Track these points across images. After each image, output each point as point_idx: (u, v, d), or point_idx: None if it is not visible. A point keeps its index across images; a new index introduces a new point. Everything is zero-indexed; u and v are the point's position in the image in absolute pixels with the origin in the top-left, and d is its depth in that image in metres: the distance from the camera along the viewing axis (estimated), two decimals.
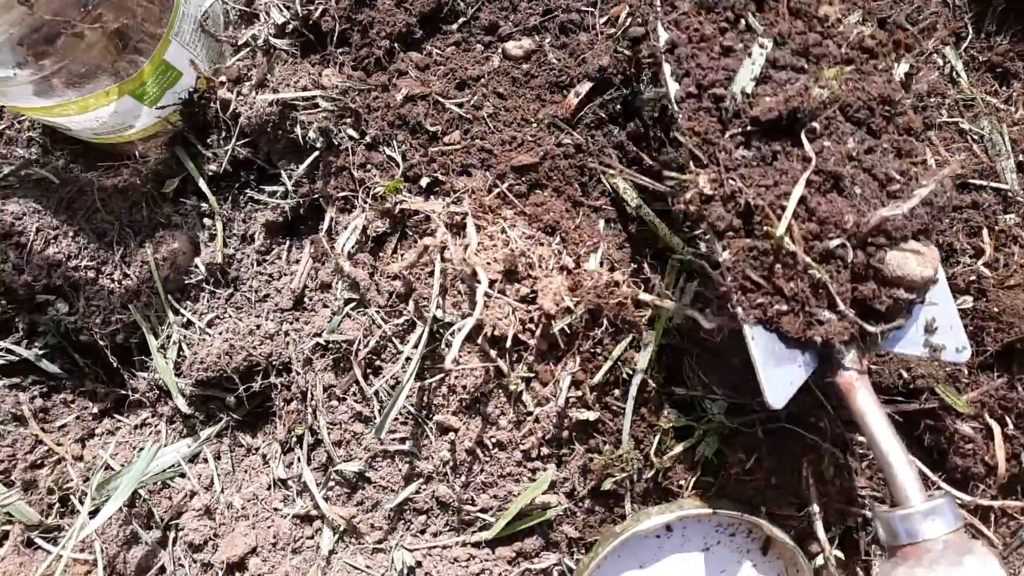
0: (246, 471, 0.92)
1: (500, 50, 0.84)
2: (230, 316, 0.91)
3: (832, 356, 0.61)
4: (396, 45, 0.81)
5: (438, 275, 0.75)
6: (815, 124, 0.61)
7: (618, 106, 0.83)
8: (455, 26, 0.84)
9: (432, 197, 0.78)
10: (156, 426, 0.94)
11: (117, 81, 0.82)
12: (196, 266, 0.92)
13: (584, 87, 0.81)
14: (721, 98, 0.63)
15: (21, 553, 0.90)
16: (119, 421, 0.97)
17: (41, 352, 0.93)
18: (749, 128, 0.61)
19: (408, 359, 0.76)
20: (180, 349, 0.91)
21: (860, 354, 0.61)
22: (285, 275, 0.88)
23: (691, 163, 0.63)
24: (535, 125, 0.81)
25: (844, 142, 0.61)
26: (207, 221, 0.93)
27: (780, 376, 0.59)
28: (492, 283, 0.73)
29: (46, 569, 0.85)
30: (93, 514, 0.85)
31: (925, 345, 0.63)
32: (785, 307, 0.59)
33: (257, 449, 0.92)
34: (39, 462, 0.92)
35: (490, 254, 0.74)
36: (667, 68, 0.65)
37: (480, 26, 0.84)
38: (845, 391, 0.60)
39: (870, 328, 0.60)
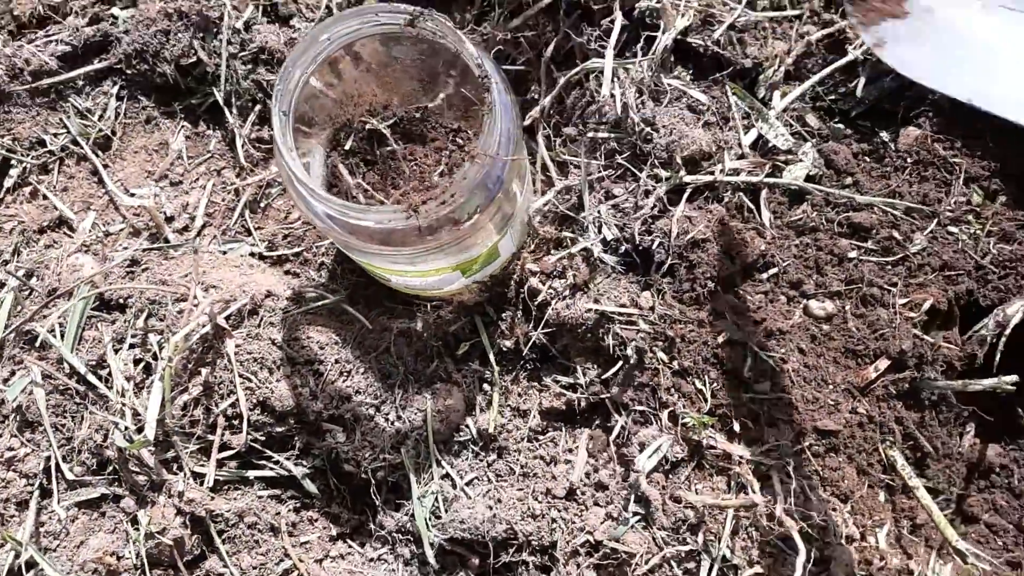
0: None
1: (803, 306, 0.91)
2: (490, 481, 0.97)
3: None
4: (718, 287, 0.89)
5: (731, 519, 0.80)
6: None
7: (906, 385, 0.89)
8: (767, 275, 0.92)
9: (735, 441, 0.85)
10: (391, 564, 1.00)
11: (459, 261, 0.92)
12: (467, 426, 0.99)
13: (883, 364, 0.87)
14: None
15: None
16: (351, 547, 1.03)
17: (307, 472, 1.00)
18: None
19: None
20: (436, 500, 0.97)
21: None
22: (558, 461, 0.94)
23: None
24: (831, 387, 0.87)
25: None
26: (486, 387, 1.00)
27: None
28: (787, 539, 0.78)
29: None
30: None
31: None
32: None
33: None
34: (283, 574, 0.98)
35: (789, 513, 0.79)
36: None
37: (787, 280, 0.92)
38: None
39: None
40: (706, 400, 0.86)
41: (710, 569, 0.80)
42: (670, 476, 0.86)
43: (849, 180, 0.96)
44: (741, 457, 0.82)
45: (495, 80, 0.81)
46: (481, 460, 0.99)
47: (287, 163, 0.81)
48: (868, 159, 0.99)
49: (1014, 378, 0.86)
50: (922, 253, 0.92)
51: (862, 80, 0.98)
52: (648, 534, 0.84)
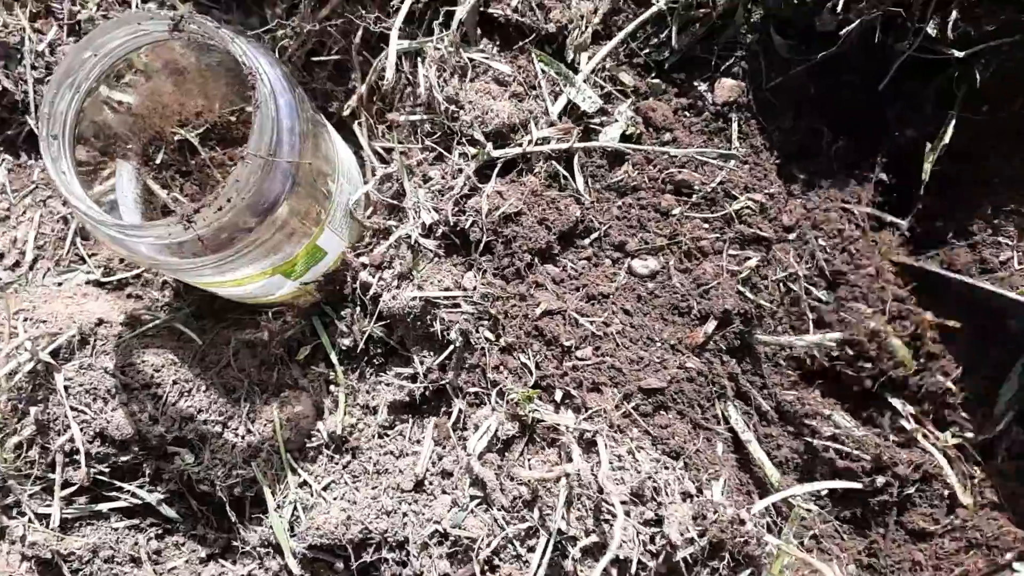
0: None
1: (627, 266, 0.90)
2: (347, 483, 0.96)
3: None
4: (535, 259, 0.88)
5: (564, 491, 0.79)
6: None
7: (736, 341, 0.89)
8: (588, 241, 0.91)
9: (562, 408, 0.84)
10: None
11: (274, 264, 0.89)
12: (318, 431, 0.97)
13: (711, 326, 0.87)
14: None
15: None
16: (224, 567, 1.01)
17: (162, 497, 0.98)
18: None
19: (526, 561, 0.80)
20: (295, 508, 0.96)
21: None
22: (406, 454, 0.93)
23: None
24: (659, 345, 0.86)
25: None
26: (333, 388, 0.99)
27: None
28: (620, 504, 0.78)
29: None
30: None
31: None
32: None
33: None
34: None
35: (618, 475, 0.79)
36: None
37: (610, 242, 0.91)
38: None
39: None
40: (531, 373, 0.84)
41: (547, 544, 0.79)
42: (505, 455, 0.85)
43: (668, 136, 0.95)
44: (566, 427, 0.81)
45: (262, 76, 0.79)
46: (336, 463, 0.97)
47: (61, 189, 0.78)
48: (687, 114, 0.98)
49: (837, 335, 0.86)
50: (743, 211, 0.91)
51: (674, 29, 0.97)
52: (488, 516, 0.83)
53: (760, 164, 0.95)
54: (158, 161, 0.97)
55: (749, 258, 0.88)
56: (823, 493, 0.86)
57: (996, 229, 0.93)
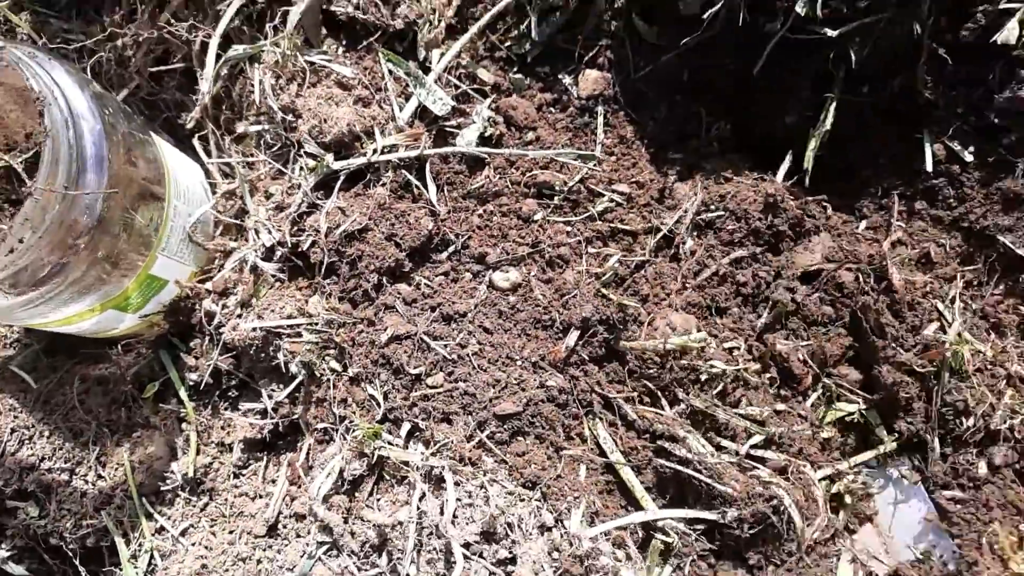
0: None
1: (487, 280, 0.83)
2: (204, 527, 0.88)
3: None
4: (384, 279, 0.80)
5: (412, 535, 0.72)
6: None
7: (601, 350, 0.82)
8: (444, 255, 0.84)
9: (412, 441, 0.77)
10: None
11: (101, 300, 0.82)
12: (172, 472, 0.90)
13: (573, 337, 0.80)
14: None
15: None
16: None
17: (8, 555, 0.90)
18: None
19: None
20: (152, 557, 0.89)
21: None
22: (261, 496, 0.86)
23: None
24: (519, 363, 0.80)
25: None
26: (185, 426, 0.91)
27: None
28: (468, 545, 0.71)
29: None
30: None
31: None
32: None
33: None
34: None
35: (468, 513, 0.72)
36: None
37: (470, 255, 0.84)
38: None
39: None
40: (379, 405, 0.77)
41: None
42: (354, 495, 0.78)
43: (531, 136, 0.88)
44: (413, 465, 0.74)
45: (56, 99, 0.71)
46: (193, 506, 0.90)
47: None
48: (552, 110, 0.91)
49: (703, 335, 0.80)
50: (606, 214, 0.85)
51: (533, 19, 0.89)
52: (338, 563, 0.76)
53: (629, 153, 0.89)
54: None
55: (611, 255, 0.81)
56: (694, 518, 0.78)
57: (887, 210, 0.87)
